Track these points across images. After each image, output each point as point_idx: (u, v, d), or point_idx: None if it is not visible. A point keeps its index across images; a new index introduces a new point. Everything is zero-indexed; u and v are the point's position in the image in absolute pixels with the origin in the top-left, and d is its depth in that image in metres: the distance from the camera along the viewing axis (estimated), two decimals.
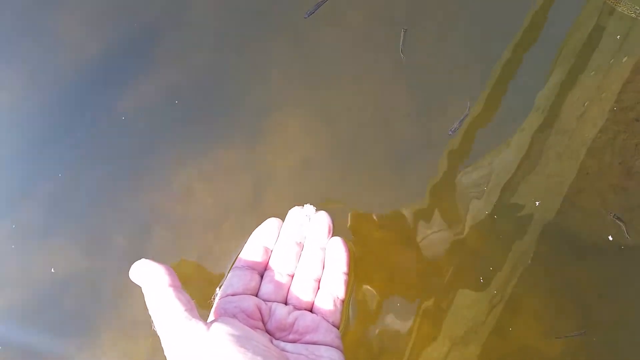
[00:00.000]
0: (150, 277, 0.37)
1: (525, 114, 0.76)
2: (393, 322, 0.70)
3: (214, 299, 0.45)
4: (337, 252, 0.47)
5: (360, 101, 0.78)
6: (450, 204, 0.74)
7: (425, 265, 0.73)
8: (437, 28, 0.81)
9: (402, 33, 0.76)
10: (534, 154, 0.75)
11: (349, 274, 0.47)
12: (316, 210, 0.50)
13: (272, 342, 0.41)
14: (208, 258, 0.72)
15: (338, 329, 0.45)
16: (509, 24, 0.80)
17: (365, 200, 0.74)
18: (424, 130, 0.77)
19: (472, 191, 0.74)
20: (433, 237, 0.73)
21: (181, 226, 0.74)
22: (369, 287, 0.71)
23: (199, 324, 0.35)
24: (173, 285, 0.37)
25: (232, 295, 0.43)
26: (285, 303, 0.45)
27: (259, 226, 0.49)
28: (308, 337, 0.42)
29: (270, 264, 0.47)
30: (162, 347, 0.35)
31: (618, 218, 0.70)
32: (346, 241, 0.48)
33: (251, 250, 0.47)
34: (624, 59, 0.76)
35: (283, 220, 0.50)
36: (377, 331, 0.70)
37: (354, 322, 0.70)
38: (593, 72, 0.77)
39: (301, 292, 0.46)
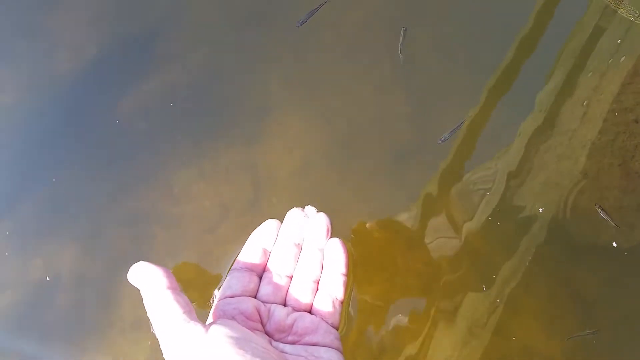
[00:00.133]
0: (148, 279, 0.37)
1: (525, 116, 0.76)
2: (392, 323, 0.70)
3: (213, 300, 0.45)
4: (335, 253, 0.47)
5: (359, 102, 0.78)
6: (451, 205, 0.74)
7: (424, 266, 0.73)
8: (436, 29, 0.81)
9: (402, 32, 0.76)
10: (534, 155, 0.75)
11: (347, 275, 0.47)
12: (316, 211, 0.50)
13: (271, 343, 0.41)
14: (207, 260, 0.72)
15: (337, 330, 0.45)
16: (509, 26, 0.80)
17: (365, 201, 0.74)
18: (424, 132, 0.77)
19: (471, 192, 0.74)
20: (433, 238, 0.73)
21: (180, 228, 0.74)
22: (368, 288, 0.71)
23: (197, 326, 0.35)
24: (171, 288, 0.37)
25: (231, 297, 0.43)
26: (284, 304, 0.45)
27: (258, 228, 0.49)
28: (307, 339, 0.42)
29: (269, 265, 0.47)
30: (161, 349, 0.35)
31: (602, 209, 0.70)
32: (345, 242, 0.48)
33: (250, 252, 0.47)
34: (623, 60, 0.76)
35: (282, 222, 0.50)
36: (376, 332, 0.70)
37: (354, 324, 0.70)
38: (592, 74, 0.77)
39: (300, 293, 0.46)
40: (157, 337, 0.36)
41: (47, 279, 0.73)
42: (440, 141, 0.72)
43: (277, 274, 0.46)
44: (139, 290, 0.37)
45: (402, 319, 0.70)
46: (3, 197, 0.78)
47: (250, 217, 0.74)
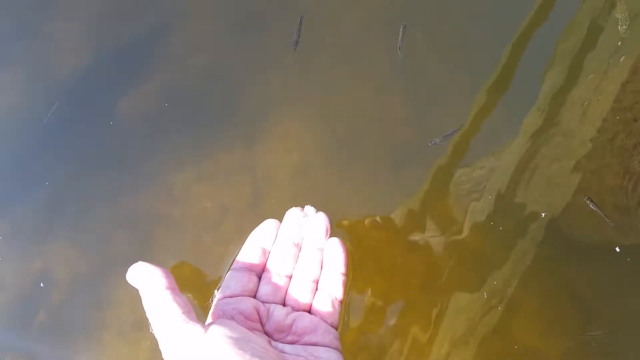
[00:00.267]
0: (147, 279, 0.37)
1: (523, 115, 0.76)
2: (392, 323, 0.70)
3: (212, 301, 0.45)
4: (334, 253, 0.47)
5: (359, 103, 0.78)
6: (450, 205, 0.74)
7: (424, 266, 0.73)
8: (435, 30, 0.81)
9: (401, 29, 0.76)
10: (533, 154, 0.75)
11: (347, 274, 0.47)
12: (315, 211, 0.50)
13: (270, 343, 0.41)
14: (206, 260, 0.72)
15: (337, 329, 0.45)
16: (508, 25, 0.80)
17: (364, 201, 0.74)
18: (423, 132, 0.77)
19: (471, 192, 0.74)
20: (432, 238, 0.73)
21: (179, 228, 0.74)
22: (367, 288, 0.71)
23: (196, 327, 0.35)
24: (170, 288, 0.37)
25: (230, 297, 0.43)
26: (284, 304, 0.45)
27: (257, 228, 0.49)
28: (306, 339, 0.42)
29: (268, 265, 0.47)
30: (160, 350, 0.35)
31: (592, 201, 0.69)
32: (344, 242, 0.48)
33: (249, 252, 0.47)
34: (622, 59, 0.76)
35: (281, 222, 0.50)
36: (376, 332, 0.70)
37: (353, 323, 0.70)
38: (591, 73, 0.77)
39: (299, 293, 0.46)
40: (156, 337, 0.36)
41: (41, 285, 0.73)
42: (431, 144, 0.72)
43: (277, 273, 0.46)
44: (138, 290, 0.37)
45: (401, 319, 0.70)
46: (1, 198, 0.78)
47: (249, 218, 0.74)
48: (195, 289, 0.70)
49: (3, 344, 0.73)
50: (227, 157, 0.76)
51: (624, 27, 0.70)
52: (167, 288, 0.37)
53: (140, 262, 0.38)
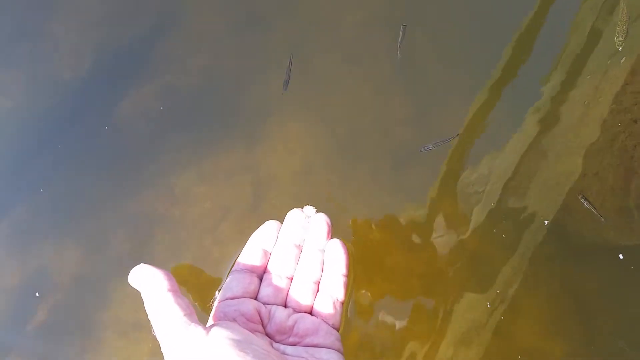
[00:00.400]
0: (149, 282, 0.37)
1: (524, 116, 0.76)
2: (394, 324, 0.70)
3: (213, 302, 0.45)
4: (336, 254, 0.47)
5: (359, 104, 0.78)
6: (450, 206, 0.74)
7: (425, 268, 0.73)
8: (435, 30, 0.81)
9: (402, 29, 0.76)
10: (534, 155, 0.75)
11: (348, 275, 0.47)
12: (316, 212, 0.50)
13: (272, 345, 0.41)
14: (207, 261, 0.72)
15: (338, 331, 0.45)
16: (508, 26, 0.80)
17: (365, 202, 0.74)
18: (424, 133, 0.77)
19: (472, 193, 0.74)
20: (433, 239, 0.73)
21: (180, 230, 0.74)
22: (369, 290, 0.71)
23: (198, 329, 0.35)
24: (172, 290, 0.36)
25: (232, 298, 0.43)
26: (285, 306, 0.45)
27: (258, 229, 0.48)
28: (308, 340, 0.42)
29: (269, 266, 0.47)
30: (161, 352, 0.35)
31: (586, 199, 0.69)
32: (345, 243, 0.48)
33: (250, 253, 0.47)
34: (622, 61, 0.76)
35: (282, 223, 0.50)
36: (377, 333, 0.70)
37: (355, 325, 0.70)
38: (591, 75, 0.77)
39: (300, 294, 0.45)
40: (158, 339, 0.36)
41: (37, 295, 0.73)
42: (423, 149, 0.72)
43: (278, 275, 0.46)
44: (139, 291, 0.37)
45: (403, 320, 0.70)
46: (3, 199, 0.78)
47: (250, 219, 0.74)
48: (196, 290, 0.70)
49: (3, 344, 0.73)
50: (228, 158, 0.76)
51: (620, 39, 0.71)
52: (169, 290, 0.36)
53: (142, 264, 0.38)
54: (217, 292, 0.45)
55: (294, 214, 0.49)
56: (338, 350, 0.43)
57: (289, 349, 0.41)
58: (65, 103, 0.80)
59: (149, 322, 0.36)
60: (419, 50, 0.79)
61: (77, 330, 0.73)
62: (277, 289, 0.45)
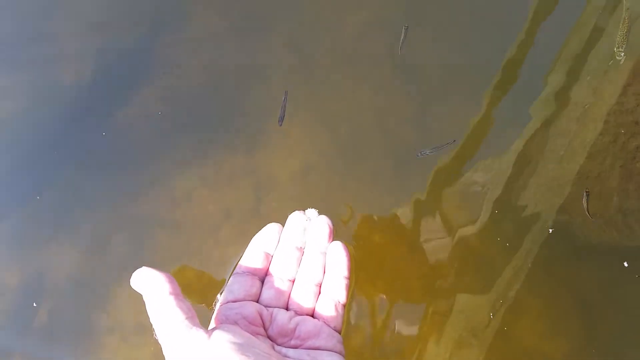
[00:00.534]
0: (151, 285, 0.37)
1: (525, 116, 0.76)
2: (395, 326, 0.70)
3: (215, 305, 0.45)
4: (337, 256, 0.47)
5: (360, 105, 0.78)
6: (452, 208, 0.74)
7: (426, 269, 0.73)
8: (436, 31, 0.81)
9: (403, 30, 0.76)
10: (535, 156, 0.75)
11: (350, 278, 0.47)
12: (318, 214, 0.50)
13: (273, 348, 0.41)
14: (209, 264, 0.72)
15: (340, 333, 0.45)
16: (509, 27, 0.80)
17: (366, 204, 0.74)
18: (424, 134, 0.77)
19: (473, 193, 0.74)
20: (434, 240, 0.73)
21: (182, 232, 0.74)
22: (370, 291, 0.71)
23: (199, 332, 0.35)
24: (174, 293, 0.36)
25: (233, 301, 0.43)
26: (287, 308, 0.45)
27: (259, 232, 0.48)
28: (310, 343, 0.42)
29: (271, 269, 0.47)
30: (163, 355, 0.35)
31: (587, 196, 0.70)
32: (347, 245, 0.48)
33: (251, 256, 0.47)
34: (623, 62, 0.76)
35: (283, 226, 0.50)
36: (379, 335, 0.70)
37: (356, 327, 0.70)
38: (592, 76, 0.77)
39: (302, 297, 0.45)
40: (160, 343, 0.35)
41: (34, 305, 0.73)
42: (419, 155, 0.72)
43: (279, 277, 0.46)
44: (140, 294, 0.37)
45: (404, 321, 0.70)
46: (3, 201, 0.78)
47: (251, 221, 0.74)
48: (198, 294, 0.70)
49: (4, 347, 0.73)
50: (229, 160, 0.77)
51: (620, 50, 0.71)
52: (171, 293, 0.36)
53: (144, 268, 0.38)
54: (218, 295, 0.45)
55: (295, 217, 0.49)
56: (340, 353, 0.43)
57: (290, 352, 0.41)
58: (66, 106, 0.80)
59: (151, 325, 0.36)
60: (419, 52, 0.79)
61: (78, 334, 0.73)
62: (279, 292, 0.45)
